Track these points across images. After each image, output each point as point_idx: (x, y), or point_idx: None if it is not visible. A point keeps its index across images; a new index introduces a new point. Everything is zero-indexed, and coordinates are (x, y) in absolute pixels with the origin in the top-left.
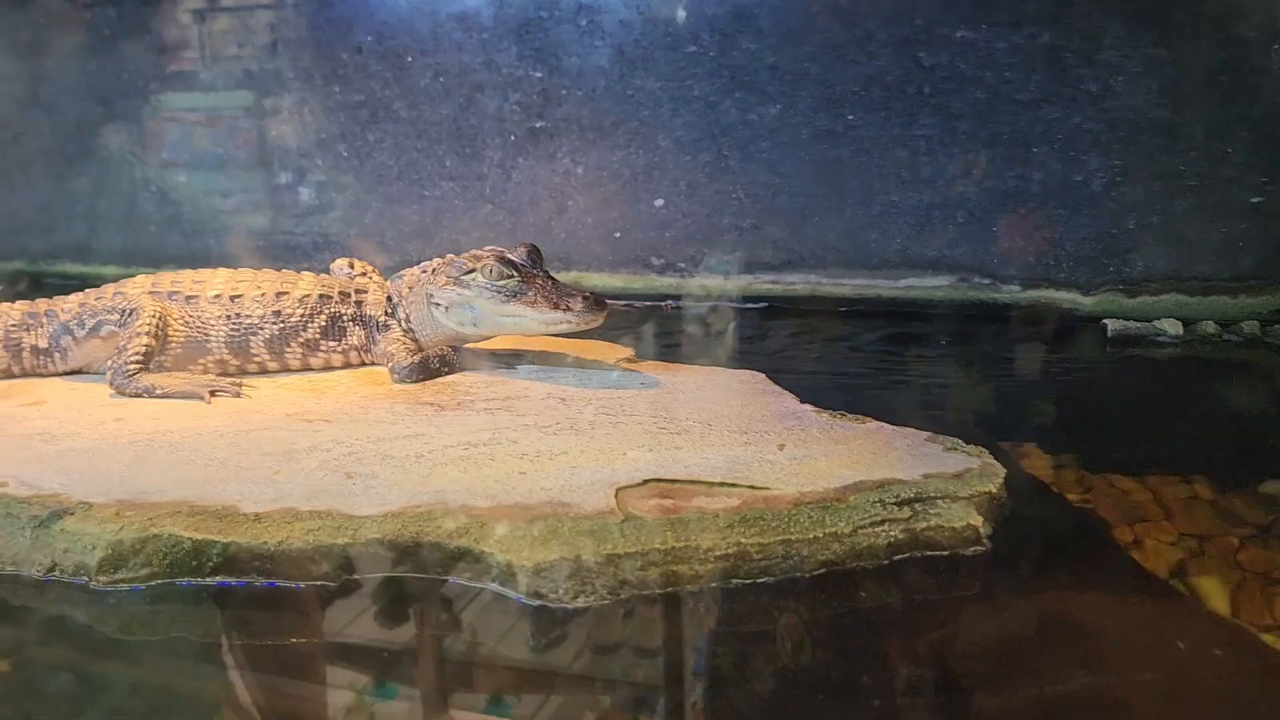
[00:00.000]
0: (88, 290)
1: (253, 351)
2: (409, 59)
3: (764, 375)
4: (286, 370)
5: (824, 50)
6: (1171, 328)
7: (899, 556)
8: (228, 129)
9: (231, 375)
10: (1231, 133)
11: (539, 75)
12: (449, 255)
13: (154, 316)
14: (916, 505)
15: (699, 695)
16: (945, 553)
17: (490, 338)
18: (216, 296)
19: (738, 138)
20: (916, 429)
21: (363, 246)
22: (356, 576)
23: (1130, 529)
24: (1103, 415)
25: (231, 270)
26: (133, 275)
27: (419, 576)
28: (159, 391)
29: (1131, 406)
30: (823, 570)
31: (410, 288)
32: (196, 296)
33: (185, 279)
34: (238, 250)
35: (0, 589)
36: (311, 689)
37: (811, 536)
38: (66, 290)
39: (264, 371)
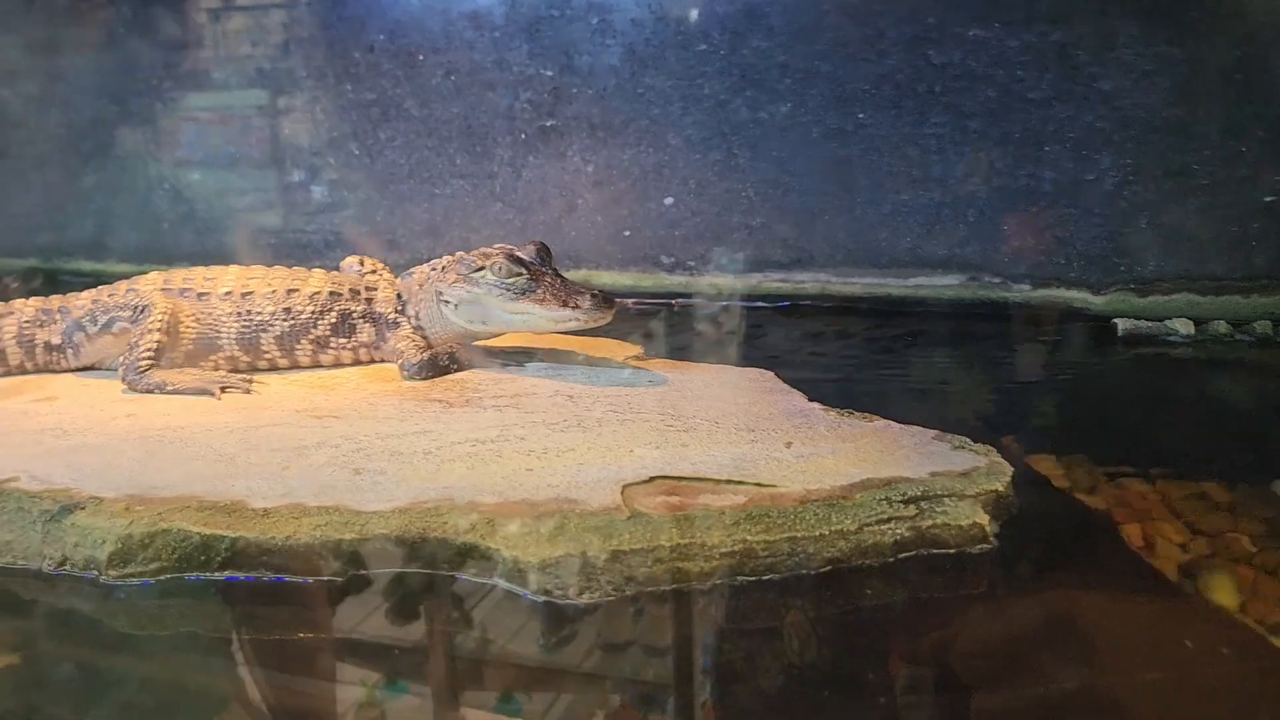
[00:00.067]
0: (100, 287)
1: (263, 348)
2: (420, 57)
3: (772, 374)
4: (296, 367)
5: (835, 49)
6: (1183, 327)
7: (905, 554)
8: (240, 127)
9: (242, 372)
10: (1245, 131)
11: (550, 74)
12: (459, 253)
13: (165, 313)
14: (923, 503)
15: (706, 692)
16: (951, 551)
17: (499, 335)
18: (228, 293)
19: (748, 136)
20: (924, 427)
21: (373, 244)
22: (364, 572)
23: (1139, 528)
24: (1112, 415)
25: (243, 267)
26: (145, 272)
27: (426, 572)
28: (170, 388)
29: (1142, 406)
30: (829, 567)
31: (420, 285)
32: (208, 293)
33: (197, 276)
34: (250, 248)
35: (12, 583)
36: (318, 684)
37: (817, 534)
38: (80, 287)
39: (274, 368)
